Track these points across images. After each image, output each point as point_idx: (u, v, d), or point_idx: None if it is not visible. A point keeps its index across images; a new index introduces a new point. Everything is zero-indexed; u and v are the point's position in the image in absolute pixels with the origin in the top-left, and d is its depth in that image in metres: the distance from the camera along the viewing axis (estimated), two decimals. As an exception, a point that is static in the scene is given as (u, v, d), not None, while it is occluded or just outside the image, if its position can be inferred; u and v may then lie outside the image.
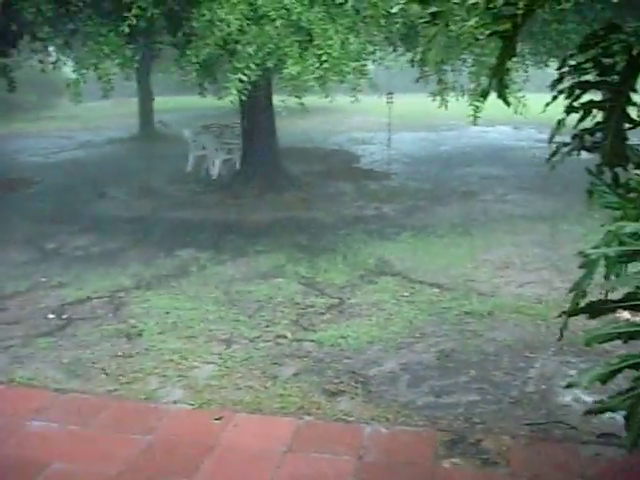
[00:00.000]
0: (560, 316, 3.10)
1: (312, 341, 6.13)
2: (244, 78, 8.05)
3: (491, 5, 2.69)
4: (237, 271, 8.40)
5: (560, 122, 3.49)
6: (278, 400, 5.00)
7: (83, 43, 9.43)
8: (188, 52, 8.67)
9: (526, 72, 12.27)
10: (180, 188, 13.95)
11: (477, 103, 8.65)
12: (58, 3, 8.58)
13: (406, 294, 7.33)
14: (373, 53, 9.91)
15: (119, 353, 5.91)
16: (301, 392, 5.13)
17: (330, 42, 8.10)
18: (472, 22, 2.89)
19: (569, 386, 4.47)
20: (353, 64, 8.42)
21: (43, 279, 8.29)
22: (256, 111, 12.96)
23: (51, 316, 6.92)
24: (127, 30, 7.89)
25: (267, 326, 6.52)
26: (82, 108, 30.12)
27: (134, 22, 7.78)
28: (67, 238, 10.25)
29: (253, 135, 13.70)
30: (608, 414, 3.87)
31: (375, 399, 5.03)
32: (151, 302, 7.23)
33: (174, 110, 26.36)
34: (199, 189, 13.78)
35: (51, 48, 13.43)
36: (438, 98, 10.18)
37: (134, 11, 7.71)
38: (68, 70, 11.83)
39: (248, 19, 7.98)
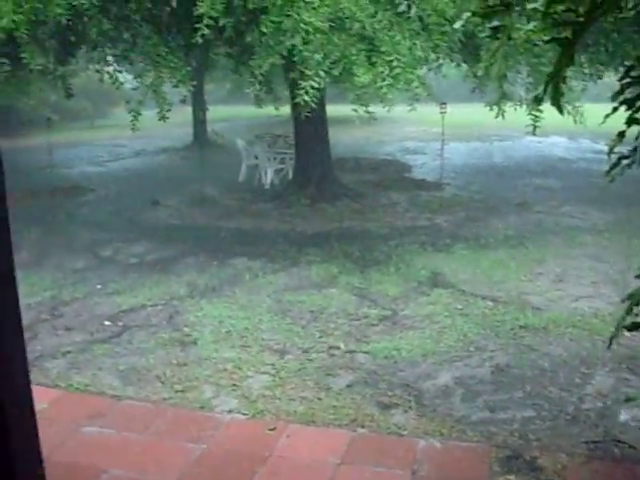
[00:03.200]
0: (617, 330, 3.04)
1: (365, 353, 6.11)
2: (315, 85, 8.05)
3: (551, 10, 2.65)
4: (289, 280, 8.43)
5: (621, 134, 3.43)
6: (331, 412, 4.99)
7: (141, 56, 9.58)
8: (251, 62, 8.70)
9: (584, 82, 12.10)
10: (233, 197, 14.05)
11: (536, 112, 8.55)
12: (118, 19, 8.72)
13: (459, 307, 7.27)
14: (436, 61, 9.88)
15: (174, 361, 5.97)
16: (354, 404, 5.11)
17: (398, 48, 8.08)
18: (530, 26, 2.85)
19: (628, 400, 4.37)
20: (418, 71, 8.40)
21: (99, 286, 8.42)
22: (309, 120, 13.02)
23: (107, 323, 7.03)
24: (200, 41, 7.92)
25: (320, 337, 6.52)
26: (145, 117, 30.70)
27: (206, 32, 7.80)
28: (122, 245, 10.41)
29: (306, 145, 13.76)
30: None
31: (429, 413, 4.98)
32: (205, 311, 7.29)
33: (227, 119, 26.61)
34: (252, 198, 13.86)
35: (109, 57, 13.71)
36: (495, 108, 10.06)
37: (206, 21, 7.74)
38: (123, 78, 12.04)
39: (309, 31, 7.99)
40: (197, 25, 7.88)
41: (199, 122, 22.62)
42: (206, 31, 7.80)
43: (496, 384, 5.48)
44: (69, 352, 6.23)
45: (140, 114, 9.45)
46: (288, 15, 7.95)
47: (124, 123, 25.83)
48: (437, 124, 16.56)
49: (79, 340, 6.55)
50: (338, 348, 6.22)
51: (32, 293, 8.08)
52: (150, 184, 15.91)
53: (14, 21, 7.48)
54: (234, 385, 5.48)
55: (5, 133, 20.52)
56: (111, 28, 8.72)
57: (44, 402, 5.11)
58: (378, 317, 7.01)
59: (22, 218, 12.18)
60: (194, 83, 9.82)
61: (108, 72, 13.09)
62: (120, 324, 6.99)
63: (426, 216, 11.99)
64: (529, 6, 2.76)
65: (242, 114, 24.14)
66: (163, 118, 9.39)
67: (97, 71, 13.02)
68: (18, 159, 19.95)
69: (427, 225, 11.38)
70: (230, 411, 5.04)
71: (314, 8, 7.85)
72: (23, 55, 8.57)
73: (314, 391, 5.34)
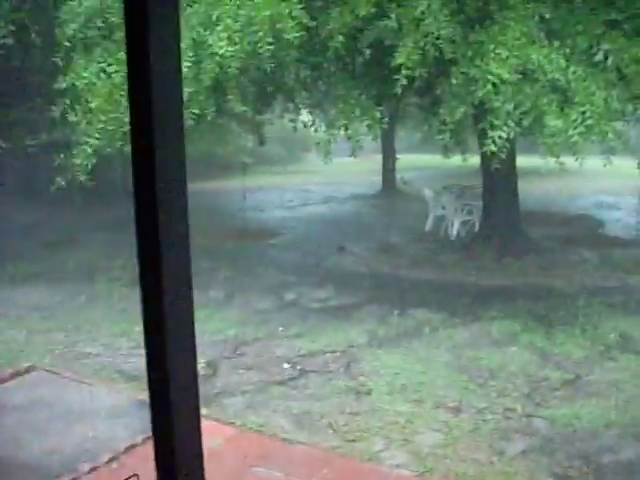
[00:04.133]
0: None
1: (543, 418, 5.85)
2: (504, 135, 7.95)
3: None
4: (469, 336, 8.25)
5: None
6: (503, 478, 4.80)
7: (334, 104, 9.85)
8: (441, 112, 8.72)
9: None
10: (418, 247, 14.02)
11: None
12: (313, 68, 9.04)
13: (651, 375, 6.81)
14: (634, 113, 9.45)
15: (347, 410, 5.99)
16: (528, 471, 4.89)
17: (592, 98, 7.82)
18: None
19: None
20: (614, 124, 8.08)
21: (281, 328, 8.65)
22: (498, 172, 12.80)
23: (286, 366, 7.18)
24: (399, 91, 8.06)
25: (497, 397, 6.32)
26: (325, 162, 31.53)
27: (404, 82, 7.92)
28: (306, 290, 10.64)
29: (494, 196, 13.51)
30: None
31: (609, 490, 4.68)
32: (382, 361, 7.28)
33: (416, 168, 26.71)
34: (437, 249, 13.76)
35: (303, 105, 14.27)
36: None
37: (404, 72, 7.86)
38: (316, 126, 12.44)
39: (498, 82, 7.92)
40: (395, 76, 7.99)
41: (388, 170, 22.82)
42: (404, 81, 7.90)
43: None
44: (247, 391, 6.42)
45: (330, 159, 9.68)
46: (477, 66, 7.91)
47: (315, 169, 26.66)
48: (634, 177, 15.72)
49: (257, 380, 6.74)
50: (515, 411, 6.00)
51: (217, 331, 8.44)
52: (337, 230, 16.22)
53: (222, 69, 7.91)
54: (405, 440, 5.41)
55: (205, 176, 21.69)
56: (307, 76, 9.04)
57: (219, 438, 5.30)
58: (560, 381, 6.70)
59: (214, 257, 12.82)
60: (385, 130, 9.94)
61: (302, 121, 13.65)
62: (298, 368, 7.12)
63: (618, 275, 11.36)
64: None
65: (431, 163, 24.13)
66: (354, 154, 9.56)
67: (291, 120, 13.61)
68: (214, 201, 21.05)
69: (619, 285, 10.76)
70: (398, 466, 4.97)
71: (502, 59, 7.77)
72: (226, 102, 9.02)
73: (487, 454, 5.17)
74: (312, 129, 12.28)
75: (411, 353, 7.59)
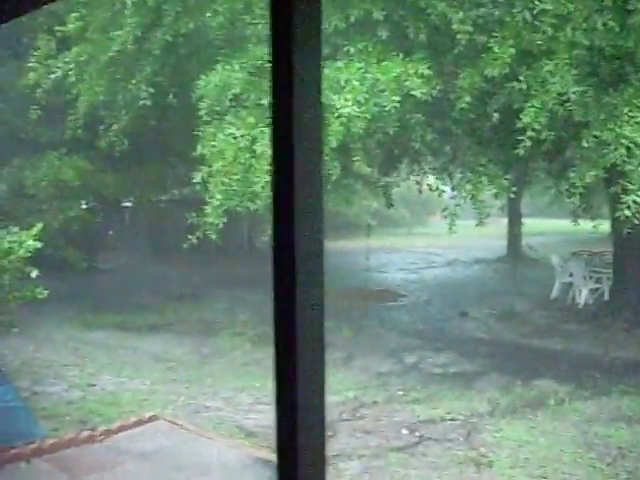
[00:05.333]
0: None
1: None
2: (638, 199, 7.66)
3: None
4: (598, 410, 7.86)
5: None
6: None
7: (460, 168, 9.81)
8: (571, 175, 8.51)
9: None
10: (543, 314, 13.60)
11: None
12: (440, 132, 9.05)
13: None
14: None
15: (467, 481, 5.80)
16: None
17: None
18: None
19: None
20: None
21: (400, 392, 8.51)
22: (630, 238, 12.31)
23: (404, 432, 7.04)
24: (522, 153, 7.95)
25: (627, 478, 5.96)
26: (449, 225, 31.33)
27: (527, 144, 7.82)
28: (427, 354, 10.48)
29: (625, 264, 12.98)
30: None
31: None
32: (504, 432, 7.03)
33: (542, 233, 26.16)
34: (563, 317, 13.30)
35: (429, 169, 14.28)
36: None
37: (529, 133, 7.77)
38: (441, 189, 12.41)
39: (631, 146, 7.68)
40: (519, 137, 7.90)
41: (514, 234, 22.42)
42: (528, 143, 7.78)
43: None
44: (364, 456, 6.32)
45: (455, 223, 9.60)
46: (610, 129, 7.70)
47: (440, 232, 26.46)
48: None
49: (375, 445, 6.63)
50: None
51: (337, 392, 8.40)
52: (460, 294, 15.98)
53: (348, 130, 8.04)
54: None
55: (329, 235, 21.93)
56: (434, 140, 9.05)
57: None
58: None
59: (336, 316, 12.84)
60: (512, 195, 9.77)
61: (427, 184, 13.65)
62: (417, 435, 6.97)
63: None
64: None
65: (558, 228, 23.61)
66: (481, 223, 9.44)
67: (417, 183, 13.64)
68: (338, 260, 21.21)
69: None
70: None
71: (637, 123, 7.53)
72: (352, 163, 9.14)
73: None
74: (436, 193, 12.27)
75: (535, 426, 7.29)
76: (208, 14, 9.78)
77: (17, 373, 6.84)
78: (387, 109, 7.80)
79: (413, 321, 13.10)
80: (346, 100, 7.79)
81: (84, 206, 15.83)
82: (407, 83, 7.75)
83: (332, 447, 6.55)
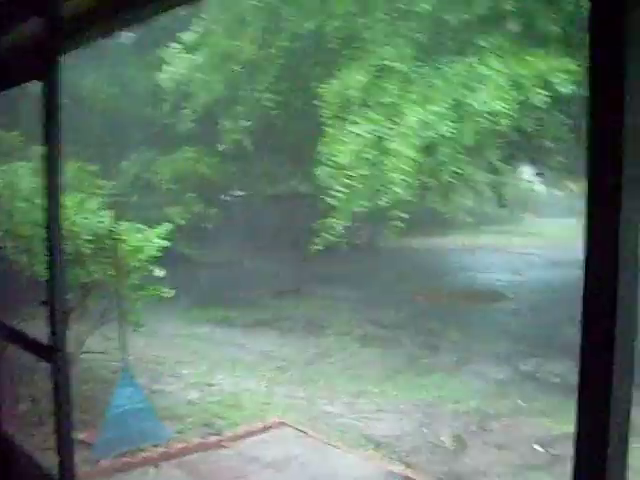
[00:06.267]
0: None
1: None
2: None
3: None
4: None
5: None
6: None
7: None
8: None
9: None
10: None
11: None
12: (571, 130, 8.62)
13: None
14: None
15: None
16: None
17: None
18: None
19: None
20: None
21: (521, 403, 8.14)
22: None
23: (537, 448, 6.67)
24: None
25: None
26: (545, 224, 30.40)
27: None
28: (541, 362, 10.03)
29: None
30: None
31: None
32: (644, 453, 6.57)
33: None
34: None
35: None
36: None
37: None
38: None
39: None
40: None
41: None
42: None
43: None
44: (502, 474, 6.00)
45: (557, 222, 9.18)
46: None
47: (534, 230, 25.64)
48: None
49: (510, 461, 6.29)
50: None
51: (457, 400, 8.10)
52: (566, 298, 15.29)
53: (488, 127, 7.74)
54: None
55: (426, 232, 21.60)
56: (568, 138, 8.63)
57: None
58: None
59: (440, 318, 12.53)
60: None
61: (529, 181, 13.19)
62: (552, 452, 6.59)
63: None
64: None
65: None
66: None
67: (529, 181, 13.19)
68: (436, 258, 20.84)
69: None
70: None
71: None
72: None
73: None
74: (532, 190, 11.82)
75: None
76: (323, 16, 9.69)
77: (133, 370, 6.75)
78: (530, 105, 7.43)
79: (520, 325, 12.62)
80: (489, 96, 7.43)
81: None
82: (552, 79, 7.34)
83: (465, 463, 6.27)
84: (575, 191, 18.34)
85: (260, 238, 18.98)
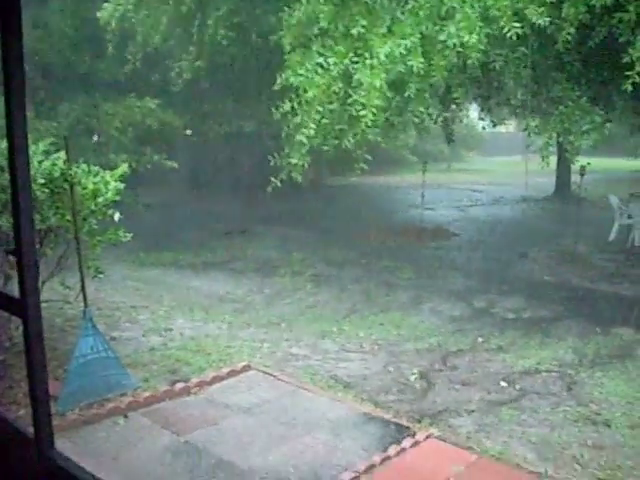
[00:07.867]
0: None
1: None
2: None
3: None
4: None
5: None
6: None
7: (545, 102, 9.31)
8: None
9: None
10: (604, 257, 13.19)
11: None
12: (533, 67, 8.52)
13: None
14: None
15: (588, 442, 5.49)
16: None
17: None
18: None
19: None
20: None
21: (480, 339, 8.23)
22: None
23: (503, 384, 6.76)
24: (630, 88, 7.46)
25: None
26: (489, 162, 30.69)
27: (638, 80, 7.33)
28: (495, 298, 10.15)
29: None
30: None
31: None
32: (606, 387, 6.70)
33: (594, 172, 25.45)
34: (626, 261, 12.91)
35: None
36: None
37: (638, 68, 7.28)
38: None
39: None
40: (627, 72, 7.39)
41: (563, 173, 21.67)
42: (637, 79, 7.29)
43: None
44: (473, 411, 6.05)
45: (547, 164, 9.22)
46: None
47: (478, 168, 25.85)
48: None
49: (479, 399, 6.35)
50: None
51: (418, 337, 8.15)
52: (512, 234, 15.61)
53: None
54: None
55: (373, 171, 21.49)
56: (528, 75, 8.54)
57: (460, 465, 4.98)
58: None
59: (394, 255, 12.59)
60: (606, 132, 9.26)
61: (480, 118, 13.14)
62: (517, 387, 6.68)
63: None
64: None
65: (613, 167, 22.94)
66: (544, 159, 9.12)
67: (479, 119, 13.13)
68: (385, 195, 20.85)
69: None
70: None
71: None
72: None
73: None
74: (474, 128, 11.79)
75: (632, 379, 6.97)
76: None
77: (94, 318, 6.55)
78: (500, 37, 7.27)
79: (471, 262, 12.74)
80: (458, 30, 7.23)
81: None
82: (526, 11, 7.17)
83: (434, 401, 6.30)
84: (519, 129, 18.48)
85: (208, 179, 18.68)
